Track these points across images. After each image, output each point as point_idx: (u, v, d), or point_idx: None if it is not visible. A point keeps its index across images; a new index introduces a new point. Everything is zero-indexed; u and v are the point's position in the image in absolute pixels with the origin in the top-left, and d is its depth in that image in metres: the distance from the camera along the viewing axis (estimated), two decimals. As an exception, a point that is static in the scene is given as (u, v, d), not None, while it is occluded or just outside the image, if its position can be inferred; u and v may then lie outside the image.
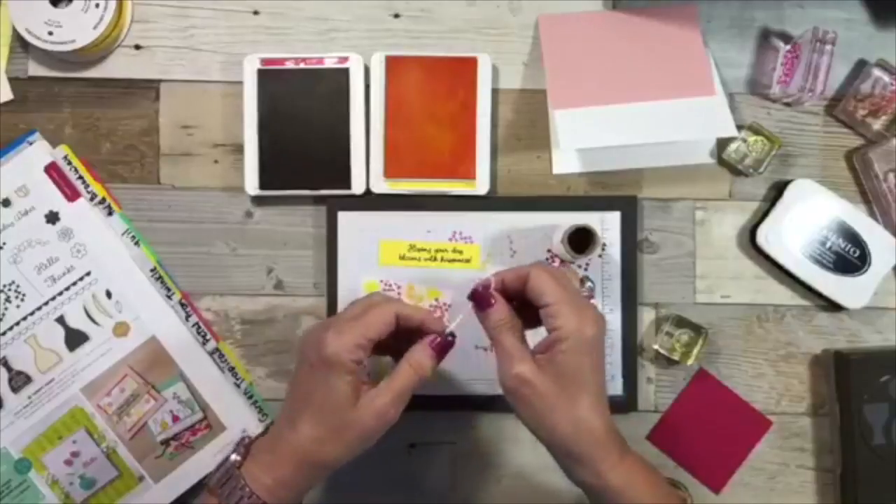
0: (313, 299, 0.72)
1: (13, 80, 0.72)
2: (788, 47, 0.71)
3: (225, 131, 0.72)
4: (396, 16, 0.72)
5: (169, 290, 0.71)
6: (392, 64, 0.71)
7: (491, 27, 0.72)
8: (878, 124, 0.71)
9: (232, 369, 0.71)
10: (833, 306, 0.72)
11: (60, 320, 0.69)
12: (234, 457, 0.56)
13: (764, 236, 0.71)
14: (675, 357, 0.70)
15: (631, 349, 0.71)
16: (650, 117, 0.70)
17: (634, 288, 0.71)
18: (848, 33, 0.72)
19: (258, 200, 0.72)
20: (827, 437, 0.72)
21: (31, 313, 0.69)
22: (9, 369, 0.69)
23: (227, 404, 0.70)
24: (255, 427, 0.70)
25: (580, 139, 0.69)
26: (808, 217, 0.70)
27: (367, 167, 0.71)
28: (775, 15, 0.73)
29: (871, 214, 0.72)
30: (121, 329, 0.70)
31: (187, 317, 0.71)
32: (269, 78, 0.70)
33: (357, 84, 0.70)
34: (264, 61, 0.70)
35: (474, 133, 0.71)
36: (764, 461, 0.72)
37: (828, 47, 0.67)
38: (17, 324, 0.69)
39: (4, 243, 0.69)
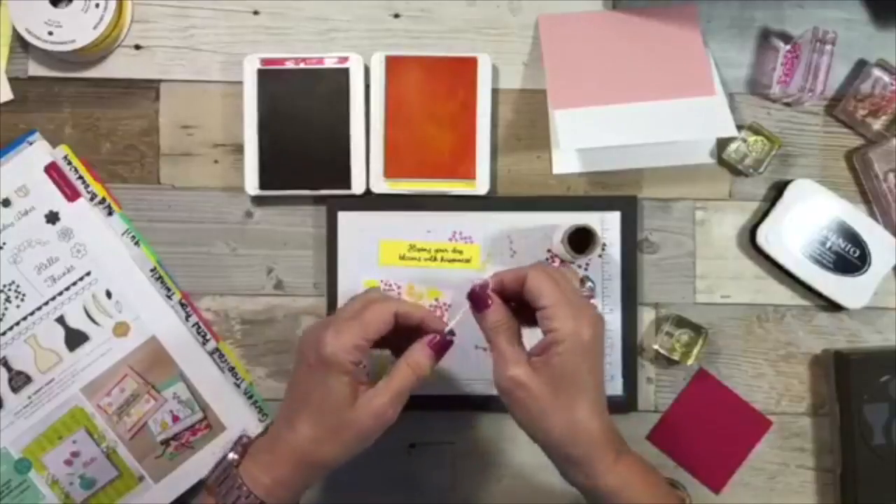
0: (313, 299, 0.72)
1: (13, 80, 0.72)
2: (788, 47, 0.71)
3: (225, 131, 0.72)
4: (396, 16, 0.72)
5: (169, 290, 0.71)
6: (392, 64, 0.71)
7: (491, 27, 0.72)
8: (878, 124, 0.71)
9: (232, 369, 0.71)
10: (833, 306, 0.72)
11: (60, 320, 0.69)
12: (231, 455, 0.56)
13: (764, 236, 0.71)
14: (675, 357, 0.70)
15: (631, 349, 0.71)
16: (650, 117, 0.70)
17: (634, 288, 0.71)
18: (848, 33, 0.72)
19: (258, 200, 0.72)
20: (827, 437, 0.72)
21: (31, 313, 0.69)
22: (9, 369, 0.69)
23: (227, 404, 0.70)
24: (255, 427, 0.70)
25: (580, 139, 0.69)
26: (808, 217, 0.70)
27: (367, 167, 0.71)
28: (775, 15, 0.73)
29: (871, 214, 0.72)
30: (121, 329, 0.70)
31: (187, 317, 0.71)
32: (269, 78, 0.70)
33: (357, 84, 0.70)
34: (264, 61, 0.70)
35: (474, 133, 0.71)
36: (764, 461, 0.72)
37: (828, 47, 0.67)
38: (17, 324, 0.69)
39: (4, 243, 0.69)
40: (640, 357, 0.72)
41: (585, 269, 0.71)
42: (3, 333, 0.69)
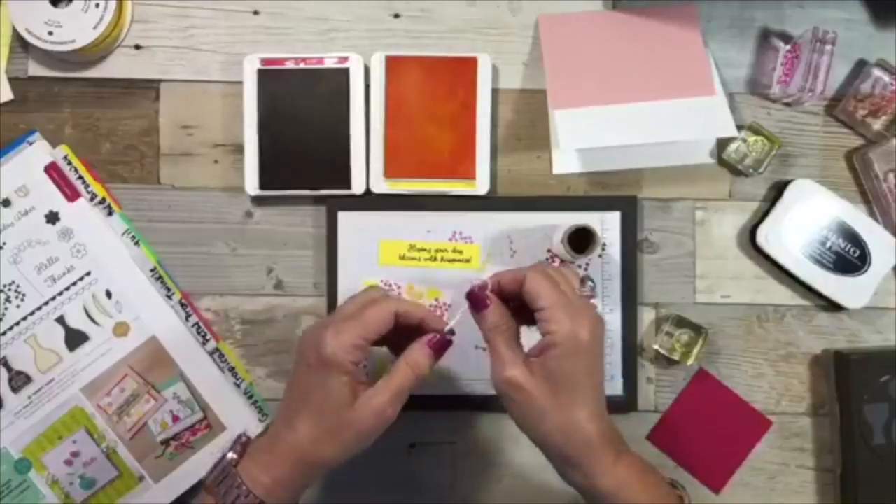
0: (313, 299, 0.72)
1: (13, 80, 0.72)
2: (788, 47, 0.71)
3: (225, 131, 0.72)
4: (396, 16, 0.72)
5: (169, 290, 0.71)
6: (392, 64, 0.71)
7: (491, 27, 0.72)
8: (878, 124, 0.71)
9: (232, 369, 0.71)
10: (833, 306, 0.72)
11: (60, 320, 0.69)
12: (230, 455, 0.56)
13: (764, 236, 0.71)
14: (675, 357, 0.70)
15: (631, 349, 0.71)
16: (650, 117, 0.70)
17: (634, 288, 0.71)
18: (848, 33, 0.72)
19: (258, 200, 0.72)
20: (827, 437, 0.72)
21: (31, 313, 0.69)
22: (9, 369, 0.69)
23: (227, 404, 0.70)
24: (255, 427, 0.70)
25: (580, 139, 0.69)
26: (808, 217, 0.70)
27: (367, 167, 0.71)
28: (775, 15, 0.73)
29: (871, 214, 0.72)
30: (121, 329, 0.70)
31: (187, 317, 0.71)
32: (269, 78, 0.70)
33: (357, 84, 0.70)
34: (264, 61, 0.70)
35: (474, 133, 0.71)
36: (764, 461, 0.72)
37: (828, 47, 0.67)
38: (17, 324, 0.69)
39: (4, 243, 0.69)
40: (640, 357, 0.72)
41: (585, 269, 0.71)
42: (3, 333, 0.69)
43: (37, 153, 0.70)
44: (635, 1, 0.72)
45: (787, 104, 0.72)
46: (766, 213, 0.71)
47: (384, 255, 0.71)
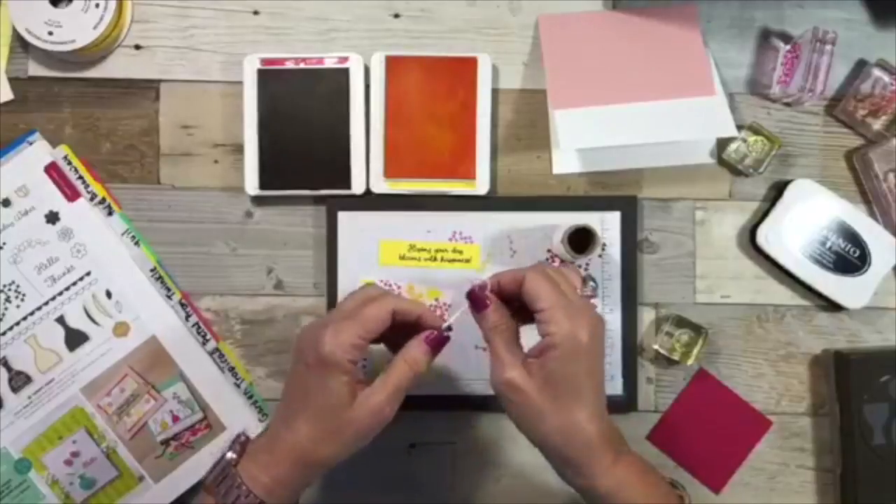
0: (313, 299, 0.72)
1: (13, 80, 0.72)
2: (788, 47, 0.71)
3: (225, 131, 0.72)
4: (396, 16, 0.72)
5: (169, 290, 0.71)
6: (392, 64, 0.71)
7: (491, 27, 0.72)
8: (878, 124, 0.71)
9: (232, 369, 0.71)
10: (833, 306, 0.72)
11: (60, 320, 0.69)
12: (229, 455, 0.56)
13: (764, 236, 0.71)
14: (675, 357, 0.70)
15: (631, 349, 0.71)
16: (650, 117, 0.70)
17: (634, 288, 0.71)
18: (848, 33, 0.72)
19: (258, 200, 0.72)
20: (827, 437, 0.72)
21: (31, 313, 0.69)
22: (9, 369, 0.69)
23: (227, 404, 0.70)
24: (255, 427, 0.70)
25: (580, 139, 0.69)
26: (808, 217, 0.70)
27: (367, 167, 0.71)
28: (775, 15, 0.73)
29: (871, 214, 0.72)
30: (121, 329, 0.70)
31: (187, 317, 0.71)
32: (269, 78, 0.70)
33: (357, 84, 0.70)
34: (264, 61, 0.70)
35: (474, 133, 0.71)
36: (764, 461, 0.72)
37: (828, 47, 0.68)
38: (17, 324, 0.69)
39: (4, 243, 0.69)
40: (640, 357, 0.72)
41: (586, 269, 0.71)
42: (3, 333, 0.69)
43: (37, 153, 0.70)
44: (635, 1, 0.72)
45: (787, 104, 0.72)
46: (766, 213, 0.71)
47: (384, 255, 0.71)
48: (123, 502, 0.69)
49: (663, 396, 0.72)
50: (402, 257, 0.71)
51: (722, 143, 0.71)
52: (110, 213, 0.71)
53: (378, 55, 0.71)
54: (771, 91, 0.71)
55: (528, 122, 0.72)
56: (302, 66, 0.71)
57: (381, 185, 0.71)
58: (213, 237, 0.72)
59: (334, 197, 0.71)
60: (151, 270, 0.71)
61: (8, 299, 0.69)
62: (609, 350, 0.70)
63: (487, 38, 0.72)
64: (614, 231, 0.71)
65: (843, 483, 0.70)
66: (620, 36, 0.71)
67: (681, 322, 0.70)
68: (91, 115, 0.72)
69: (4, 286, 0.69)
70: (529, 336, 0.57)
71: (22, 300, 0.69)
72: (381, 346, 0.60)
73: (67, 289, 0.69)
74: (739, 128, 0.71)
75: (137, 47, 0.72)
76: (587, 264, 0.71)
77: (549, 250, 0.71)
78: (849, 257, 0.70)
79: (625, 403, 0.71)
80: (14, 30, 0.70)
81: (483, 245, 0.71)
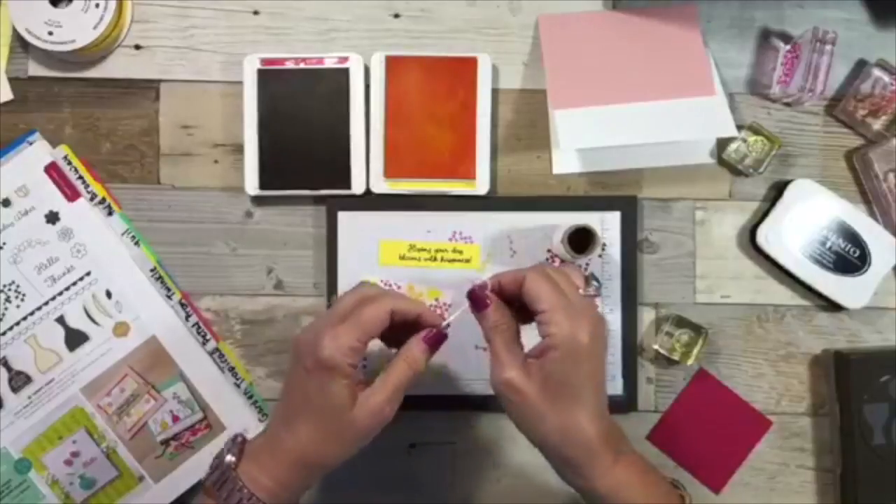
0: (313, 299, 0.72)
1: (13, 80, 0.72)
2: (788, 47, 0.71)
3: (225, 131, 0.72)
4: (396, 16, 0.72)
5: (169, 290, 0.71)
6: (392, 64, 0.71)
7: (491, 27, 0.72)
8: (878, 124, 0.71)
9: (232, 369, 0.71)
10: (833, 306, 0.72)
11: (60, 320, 0.69)
12: (229, 458, 0.55)
13: (764, 236, 0.71)
14: (675, 357, 0.70)
15: (631, 349, 0.71)
16: (650, 117, 0.70)
17: (634, 288, 0.71)
18: (848, 33, 0.72)
19: (258, 200, 0.72)
20: (827, 437, 0.72)
21: (31, 313, 0.69)
22: (9, 369, 0.69)
23: (227, 404, 0.70)
24: (255, 427, 0.70)
25: (580, 139, 0.69)
26: (808, 217, 0.70)
27: (367, 167, 0.71)
28: (775, 15, 0.73)
29: (871, 214, 0.72)
30: (121, 329, 0.70)
31: (187, 317, 0.71)
32: (269, 78, 0.70)
33: (357, 84, 0.70)
34: (264, 61, 0.70)
35: (474, 133, 0.71)
36: (764, 461, 0.72)
37: (828, 47, 0.67)
38: (17, 324, 0.69)
39: (4, 243, 0.69)
40: (640, 357, 0.72)
41: (586, 270, 0.71)
42: (3, 333, 0.69)
43: (37, 153, 0.70)
44: (635, 1, 0.72)
45: (787, 104, 0.72)
46: (766, 213, 0.71)
47: (384, 255, 0.71)
48: (123, 502, 0.69)
49: (663, 396, 0.72)
50: (402, 257, 0.71)
51: (722, 143, 0.71)
52: (110, 213, 0.71)
53: (378, 55, 0.71)
54: (771, 91, 0.71)
55: (528, 122, 0.72)
56: (302, 66, 0.71)
57: (381, 185, 0.71)
58: (213, 237, 0.72)
59: (334, 197, 0.71)
60: (151, 270, 0.71)
61: (8, 299, 0.69)
62: (609, 350, 0.70)
63: (487, 38, 0.72)
64: (614, 231, 0.71)
65: (843, 483, 0.70)
66: (620, 36, 0.71)
67: (681, 322, 0.70)
68: (91, 115, 0.72)
69: (4, 286, 0.69)
70: (530, 336, 0.57)
71: (22, 300, 0.69)
72: (380, 345, 0.60)
73: (67, 289, 0.69)
74: (739, 128, 0.71)
75: (137, 47, 0.72)
76: (587, 264, 0.71)
77: (549, 250, 0.71)
78: (849, 257, 0.70)
79: (625, 403, 0.71)
80: (14, 30, 0.70)
81: (483, 245, 0.71)
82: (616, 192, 0.72)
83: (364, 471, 0.70)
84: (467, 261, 0.71)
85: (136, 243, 0.71)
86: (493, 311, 0.57)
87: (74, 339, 0.69)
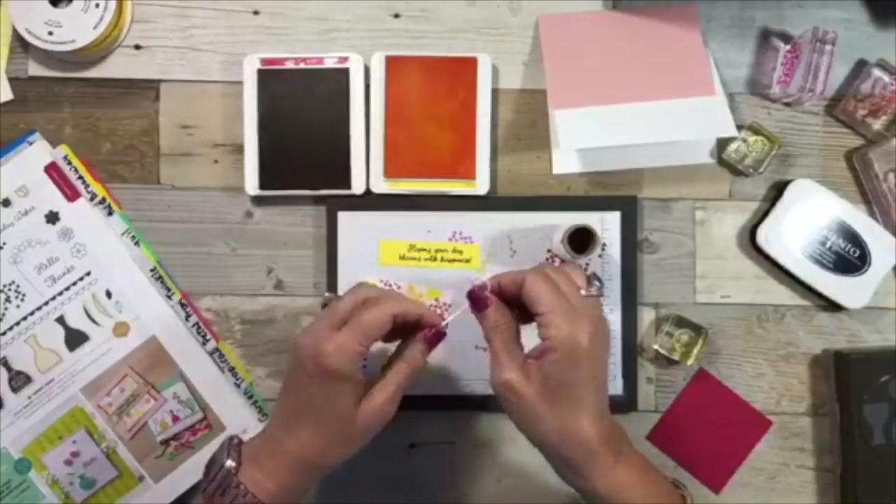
0: (313, 299, 0.72)
1: (13, 80, 0.72)
2: (788, 47, 0.71)
3: (225, 131, 0.72)
4: (396, 16, 0.72)
5: (169, 290, 0.71)
6: (392, 64, 0.71)
7: (491, 27, 0.72)
8: (878, 124, 0.71)
9: (232, 369, 0.71)
10: (833, 306, 0.72)
11: (60, 320, 0.69)
12: (229, 462, 0.55)
13: (764, 236, 0.70)
14: (675, 357, 0.70)
15: (631, 349, 0.71)
16: (650, 117, 0.70)
17: (634, 288, 0.71)
18: (848, 33, 0.72)
19: (258, 200, 0.72)
20: (827, 437, 0.72)
21: (31, 313, 0.69)
22: (9, 369, 0.69)
23: (227, 404, 0.70)
24: (254, 427, 0.70)
25: (580, 139, 0.69)
26: (808, 217, 0.70)
27: (367, 167, 0.71)
28: (775, 15, 0.73)
29: (871, 214, 0.72)
30: (121, 329, 0.70)
31: (187, 317, 0.71)
32: (269, 78, 0.70)
33: (357, 84, 0.70)
34: (264, 61, 0.70)
35: (474, 133, 0.71)
36: (764, 461, 0.72)
37: (828, 47, 0.67)
38: (17, 324, 0.69)
39: (4, 243, 0.69)
40: (640, 357, 0.72)
41: (587, 270, 0.71)
42: (3, 333, 0.69)
43: (37, 153, 0.70)
44: (635, 1, 0.72)
45: (787, 104, 0.72)
46: (766, 213, 0.71)
47: (384, 255, 0.71)
48: (123, 502, 0.69)
49: (663, 396, 0.72)
50: (402, 257, 0.71)
51: (722, 143, 0.71)
52: (110, 213, 0.71)
53: (378, 55, 0.71)
54: (771, 91, 0.71)
55: (528, 122, 0.72)
56: (302, 66, 0.71)
57: (381, 185, 0.71)
58: (213, 237, 0.72)
59: (334, 197, 0.71)
60: (151, 270, 0.71)
61: (8, 299, 0.69)
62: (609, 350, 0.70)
63: (487, 38, 0.72)
64: (614, 231, 0.71)
65: (843, 483, 0.70)
66: (620, 36, 0.71)
67: (681, 322, 0.70)
68: (91, 115, 0.72)
69: (4, 286, 0.69)
70: (531, 336, 0.57)
71: (22, 300, 0.69)
72: (380, 345, 0.60)
73: (67, 289, 0.69)
74: (739, 128, 0.71)
75: (137, 47, 0.72)
76: (587, 264, 0.71)
77: (549, 250, 0.71)
78: (849, 257, 0.70)
79: (625, 403, 0.71)
80: (14, 30, 0.70)
81: (483, 245, 0.71)
82: (616, 192, 0.72)
83: (364, 471, 0.70)
84: (467, 261, 0.71)
85: (136, 243, 0.71)
86: (493, 311, 0.57)
87: (74, 339, 0.69)
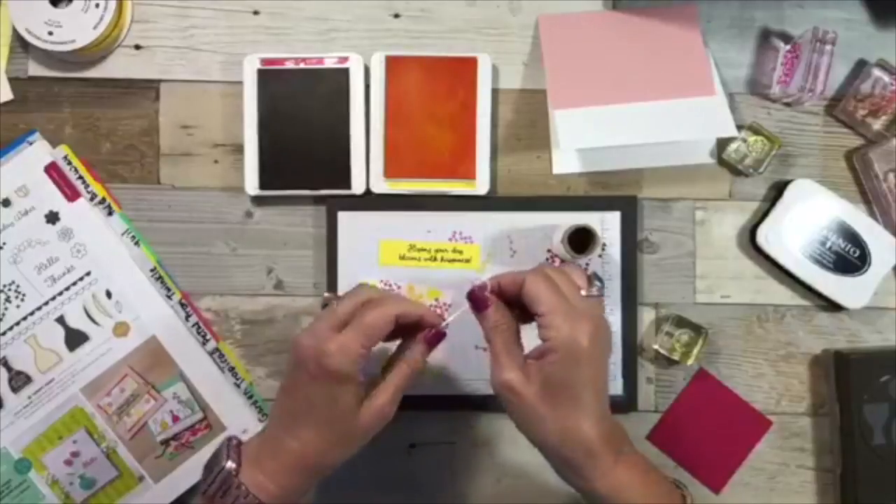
0: (313, 299, 0.72)
1: (13, 80, 0.72)
2: (788, 47, 0.71)
3: (225, 131, 0.72)
4: (396, 16, 0.72)
5: (169, 290, 0.71)
6: (392, 64, 0.71)
7: (491, 27, 0.72)
8: (878, 124, 0.71)
9: (232, 369, 0.71)
10: (833, 306, 0.72)
11: (60, 320, 0.69)
12: (229, 464, 0.54)
13: (764, 236, 0.70)
14: (675, 357, 0.70)
15: (631, 349, 0.71)
16: (650, 117, 0.70)
17: (634, 288, 0.71)
18: (848, 33, 0.72)
19: (258, 200, 0.72)
20: (827, 437, 0.72)
21: (31, 313, 0.69)
22: (9, 369, 0.69)
23: (227, 404, 0.70)
24: (254, 427, 0.70)
25: (580, 139, 0.69)
26: (808, 217, 0.70)
27: (367, 167, 0.71)
28: (775, 15, 0.73)
29: (871, 214, 0.72)
30: (121, 329, 0.70)
31: (187, 317, 0.71)
32: (269, 78, 0.70)
33: (357, 84, 0.70)
34: (264, 61, 0.70)
35: (474, 133, 0.71)
36: (764, 461, 0.72)
37: (828, 47, 0.67)
38: (17, 324, 0.69)
39: (4, 243, 0.69)
40: (640, 357, 0.72)
41: (587, 269, 0.71)
42: (3, 333, 0.69)
43: (37, 153, 0.70)
44: (635, 1, 0.72)
45: (787, 104, 0.72)
46: (766, 213, 0.71)
47: (384, 255, 0.71)
48: (123, 502, 0.69)
49: (663, 396, 0.72)
50: (402, 257, 0.71)
51: (722, 143, 0.71)
52: (110, 213, 0.71)
53: (378, 55, 0.71)
54: (771, 91, 0.71)
55: (528, 122, 0.72)
56: (302, 66, 0.71)
57: (381, 185, 0.71)
58: (213, 237, 0.72)
59: (334, 197, 0.71)
60: (151, 270, 0.71)
61: (8, 299, 0.69)
62: (609, 350, 0.70)
63: (487, 38, 0.72)
64: (614, 231, 0.71)
65: (843, 483, 0.70)
66: (620, 36, 0.71)
67: (681, 322, 0.70)
68: (91, 115, 0.72)
69: (4, 286, 0.69)
70: (531, 336, 0.57)
71: (22, 300, 0.69)
72: (380, 345, 0.60)
73: (67, 289, 0.69)
74: (739, 128, 0.71)
75: (137, 47, 0.72)
76: (587, 264, 0.71)
77: (549, 250, 0.71)
78: (849, 257, 0.70)
79: (625, 403, 0.71)
80: (14, 30, 0.70)
81: (483, 245, 0.71)
82: (616, 192, 0.72)
83: (364, 471, 0.70)
84: (467, 261, 0.71)
85: (136, 243, 0.71)
86: (493, 311, 0.57)
87: (74, 339, 0.69)
